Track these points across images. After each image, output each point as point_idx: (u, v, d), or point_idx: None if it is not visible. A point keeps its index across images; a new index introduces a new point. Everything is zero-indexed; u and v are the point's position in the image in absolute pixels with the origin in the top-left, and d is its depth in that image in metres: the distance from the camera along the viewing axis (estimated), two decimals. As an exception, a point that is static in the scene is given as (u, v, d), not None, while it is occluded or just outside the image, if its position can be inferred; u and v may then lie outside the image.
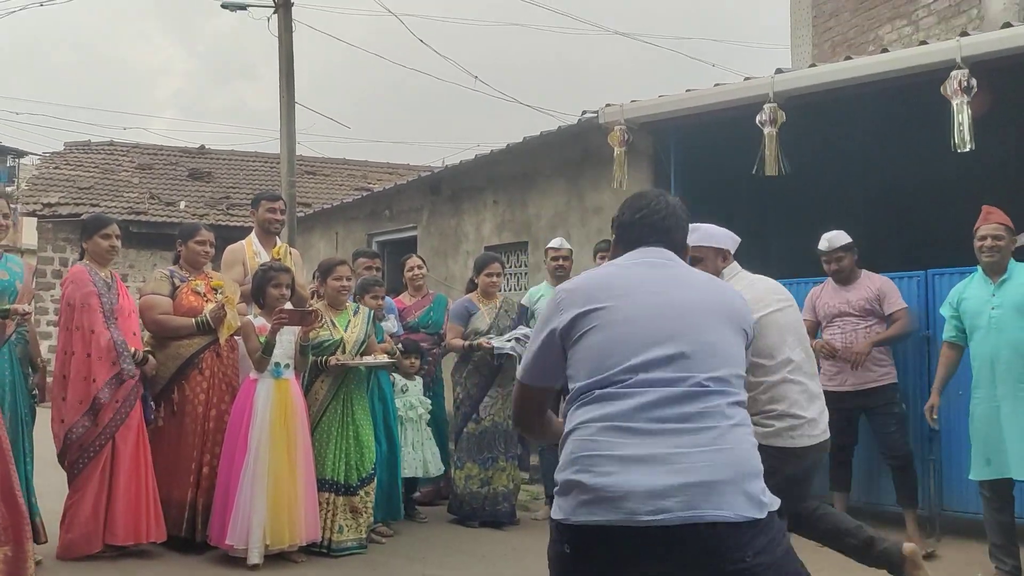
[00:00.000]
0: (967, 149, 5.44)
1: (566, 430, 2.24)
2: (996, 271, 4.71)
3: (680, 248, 2.50)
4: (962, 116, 5.44)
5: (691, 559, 2.06)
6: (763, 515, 2.09)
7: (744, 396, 2.26)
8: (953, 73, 5.45)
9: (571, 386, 2.29)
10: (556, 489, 2.22)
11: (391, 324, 6.34)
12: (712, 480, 2.06)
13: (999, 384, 4.56)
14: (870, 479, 5.75)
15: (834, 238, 5.52)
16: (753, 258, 8.42)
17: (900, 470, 5.33)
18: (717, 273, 3.63)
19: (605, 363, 2.20)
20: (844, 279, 5.53)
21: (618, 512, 2.06)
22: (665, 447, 2.09)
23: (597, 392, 2.19)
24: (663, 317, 2.24)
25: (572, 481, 2.13)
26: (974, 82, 5.41)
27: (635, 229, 2.47)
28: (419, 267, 6.98)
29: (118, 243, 5.26)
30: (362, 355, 5.45)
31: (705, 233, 3.77)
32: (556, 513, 2.20)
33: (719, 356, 2.23)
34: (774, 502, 2.17)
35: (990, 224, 4.72)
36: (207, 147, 19.81)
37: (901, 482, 5.32)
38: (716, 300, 2.35)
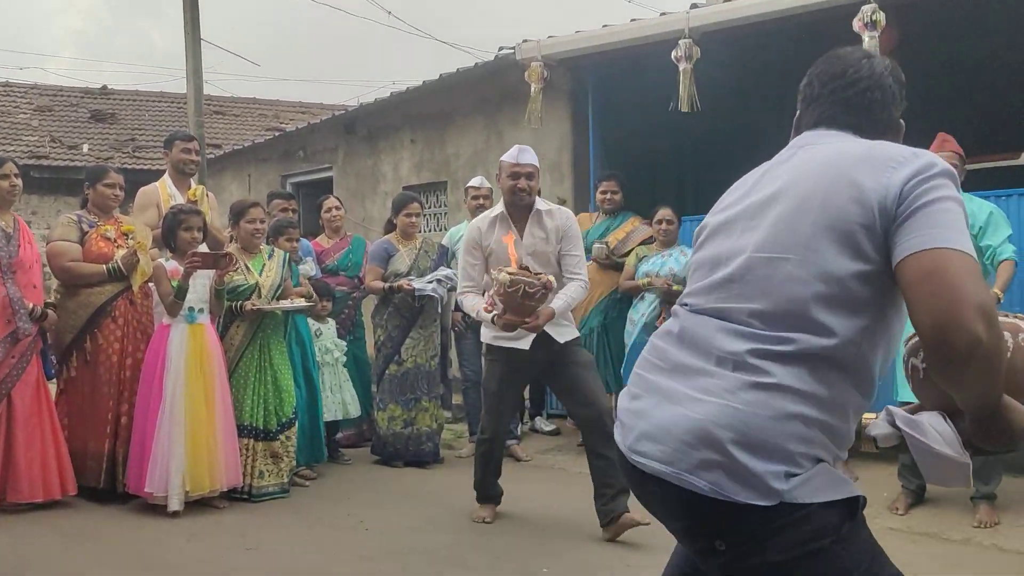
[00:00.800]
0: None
1: None
2: None
3: (884, 130, 1.85)
4: (872, 51, 5.53)
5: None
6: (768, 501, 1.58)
7: (807, 344, 1.63)
8: (863, 8, 5.53)
9: None
10: None
11: (308, 267, 6.24)
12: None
13: None
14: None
15: None
16: (670, 195, 8.63)
17: None
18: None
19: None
20: None
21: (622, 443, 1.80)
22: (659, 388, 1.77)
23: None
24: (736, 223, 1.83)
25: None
26: (881, 16, 5.50)
27: (818, 106, 1.89)
28: (336, 208, 6.86)
29: (18, 182, 5.02)
30: (278, 299, 5.37)
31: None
32: None
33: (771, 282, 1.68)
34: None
35: (946, 152, 4.86)
36: (110, 87, 18.98)
37: None
38: (819, 191, 1.68)
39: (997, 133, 7.77)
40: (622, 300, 6.27)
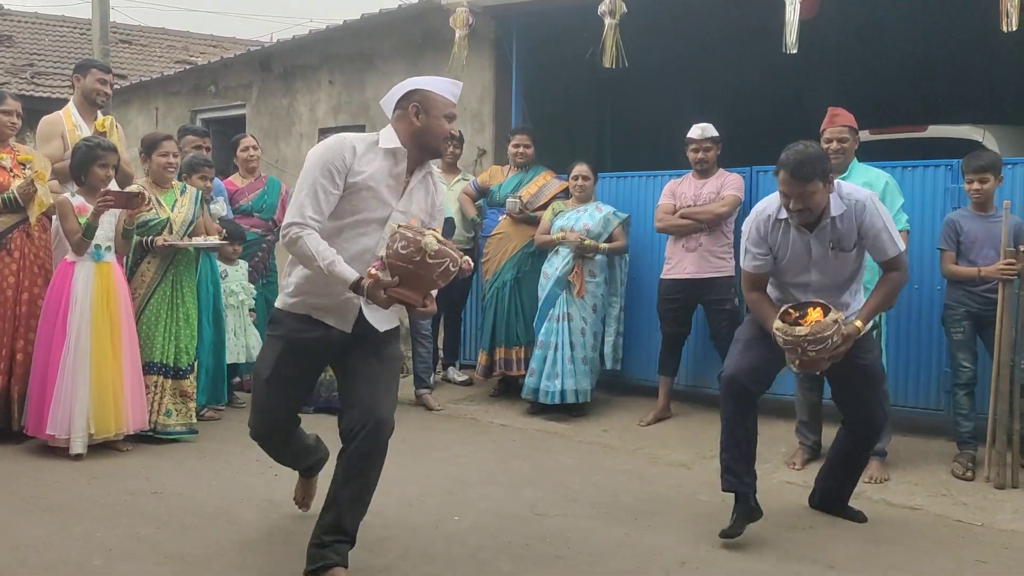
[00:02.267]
0: (795, 51, 5.64)
1: None
2: (838, 170, 5.00)
3: None
4: (792, 17, 5.62)
5: None
6: None
7: None
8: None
9: None
10: None
11: (219, 207, 6.07)
12: None
13: None
14: (697, 364, 6.10)
15: (706, 128, 5.68)
16: (589, 151, 8.65)
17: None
18: None
19: None
20: (705, 171, 5.70)
21: None
22: None
23: None
24: None
25: None
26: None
27: None
28: (254, 148, 6.67)
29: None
30: (191, 236, 5.24)
31: None
32: None
33: None
34: None
35: (835, 127, 4.97)
36: (7, 8, 17.92)
37: None
38: None
39: (906, 106, 8.04)
40: (535, 254, 6.28)
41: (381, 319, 3.29)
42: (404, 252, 2.90)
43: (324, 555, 3.15)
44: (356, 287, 3.03)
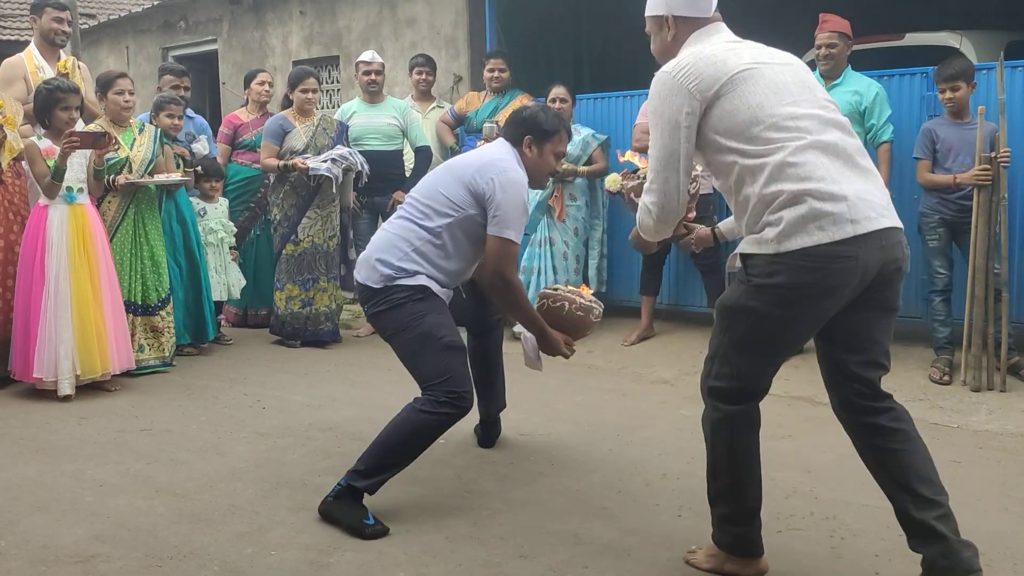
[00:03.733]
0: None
1: None
2: (830, 77, 5.01)
3: None
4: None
5: None
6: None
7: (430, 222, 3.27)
8: None
9: None
10: None
11: (201, 145, 6.03)
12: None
13: None
14: (678, 283, 6.14)
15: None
16: (568, 73, 8.54)
17: (709, 275, 5.71)
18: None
19: None
20: None
21: None
22: None
23: None
24: None
25: None
26: None
27: None
28: (269, 83, 6.63)
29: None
30: (151, 174, 5.22)
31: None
32: None
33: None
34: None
35: (824, 32, 4.95)
36: (-34, -52, 17.41)
37: (710, 286, 5.72)
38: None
39: (883, 14, 7.93)
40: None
41: None
42: None
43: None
44: None
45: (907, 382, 4.78)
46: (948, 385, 4.70)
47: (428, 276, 3.26)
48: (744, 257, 2.50)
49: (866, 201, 2.38)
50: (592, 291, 6.21)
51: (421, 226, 3.28)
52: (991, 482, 3.45)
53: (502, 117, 6.37)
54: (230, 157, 6.46)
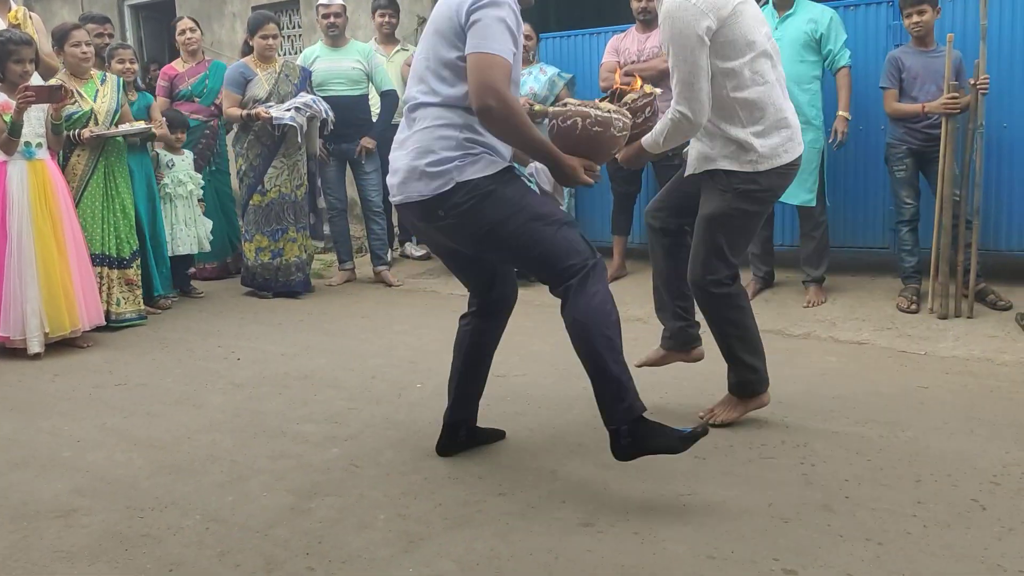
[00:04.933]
0: None
1: None
2: (783, 6, 4.98)
3: None
4: None
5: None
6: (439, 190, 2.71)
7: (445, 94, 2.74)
8: None
9: None
10: None
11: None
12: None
13: None
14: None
15: None
16: (533, 10, 8.39)
17: (626, 200, 5.83)
18: None
19: None
20: (648, 21, 5.58)
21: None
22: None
23: None
24: None
25: None
26: None
27: None
28: (192, 30, 6.46)
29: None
30: (116, 125, 5.15)
31: None
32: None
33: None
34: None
35: None
36: None
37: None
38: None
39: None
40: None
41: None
42: None
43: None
44: None
45: (875, 311, 4.86)
46: (915, 313, 4.77)
47: (492, 152, 2.76)
48: (726, 173, 3.13)
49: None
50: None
51: (447, 104, 2.73)
52: (958, 406, 3.53)
53: (467, 59, 6.28)
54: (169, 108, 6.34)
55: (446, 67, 2.72)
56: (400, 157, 2.80)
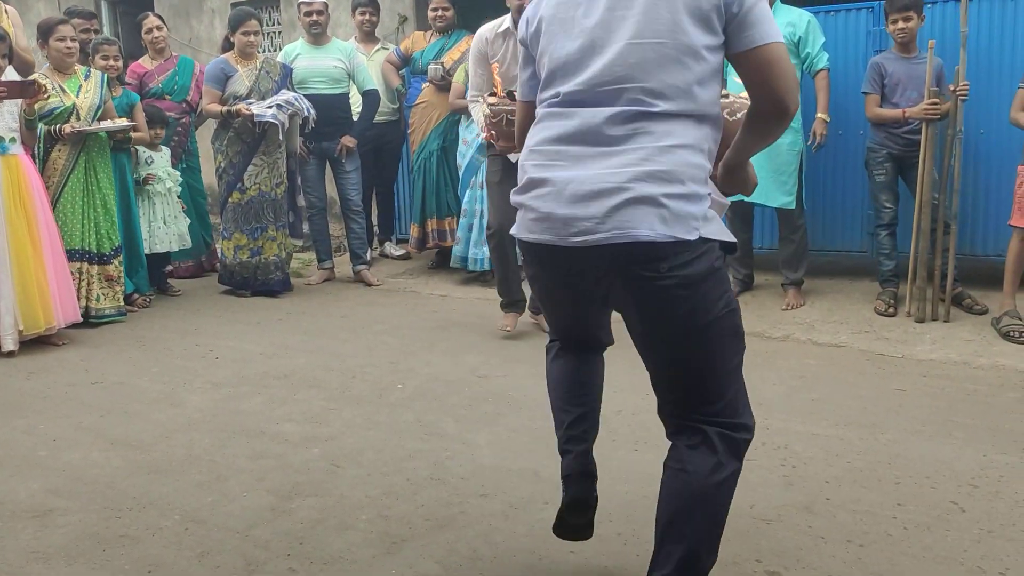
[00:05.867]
0: None
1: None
2: None
3: None
4: None
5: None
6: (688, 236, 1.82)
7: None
8: None
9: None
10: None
11: None
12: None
13: None
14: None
15: None
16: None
17: None
18: None
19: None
20: None
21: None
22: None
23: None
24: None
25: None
26: None
27: None
28: (158, 28, 6.38)
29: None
30: (99, 121, 5.11)
31: None
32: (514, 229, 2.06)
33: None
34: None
35: None
36: None
37: None
38: None
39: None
40: (461, 122, 6.18)
41: None
42: (485, 120, 3.96)
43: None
44: None
45: (853, 315, 4.89)
46: (893, 317, 4.81)
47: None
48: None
49: None
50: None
51: (701, 117, 1.89)
52: (935, 409, 3.56)
53: (448, 58, 6.27)
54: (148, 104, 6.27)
55: (694, 58, 1.87)
56: (597, 177, 1.85)
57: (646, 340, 1.98)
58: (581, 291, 2.04)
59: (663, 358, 1.99)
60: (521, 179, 2.01)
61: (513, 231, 2.06)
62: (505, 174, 4.48)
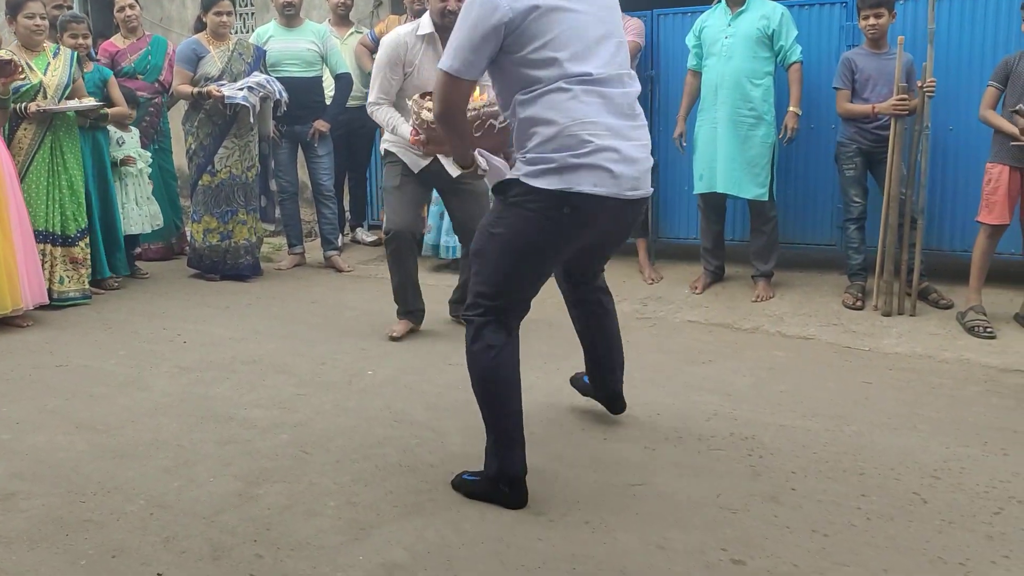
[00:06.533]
0: None
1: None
2: (735, 3, 5.02)
3: None
4: None
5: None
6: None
7: None
8: None
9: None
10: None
11: None
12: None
13: (720, 108, 5.02)
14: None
15: None
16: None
17: None
18: None
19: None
20: None
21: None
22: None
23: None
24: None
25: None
26: None
27: None
28: (131, 6, 6.28)
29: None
30: (67, 100, 5.01)
31: None
32: (556, 184, 2.50)
33: None
34: None
35: None
36: None
37: None
38: None
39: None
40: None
41: (450, 164, 4.09)
42: (417, 124, 3.54)
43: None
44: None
45: (822, 308, 4.94)
46: (860, 310, 4.86)
47: None
48: None
49: None
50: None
51: None
52: (901, 401, 3.60)
53: (424, 43, 6.23)
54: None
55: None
56: (637, 148, 2.62)
57: (604, 253, 3.10)
58: (601, 235, 2.75)
59: (604, 257, 3.16)
60: (571, 144, 2.49)
61: (574, 188, 2.49)
62: (405, 179, 4.36)
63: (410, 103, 3.72)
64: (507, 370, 2.70)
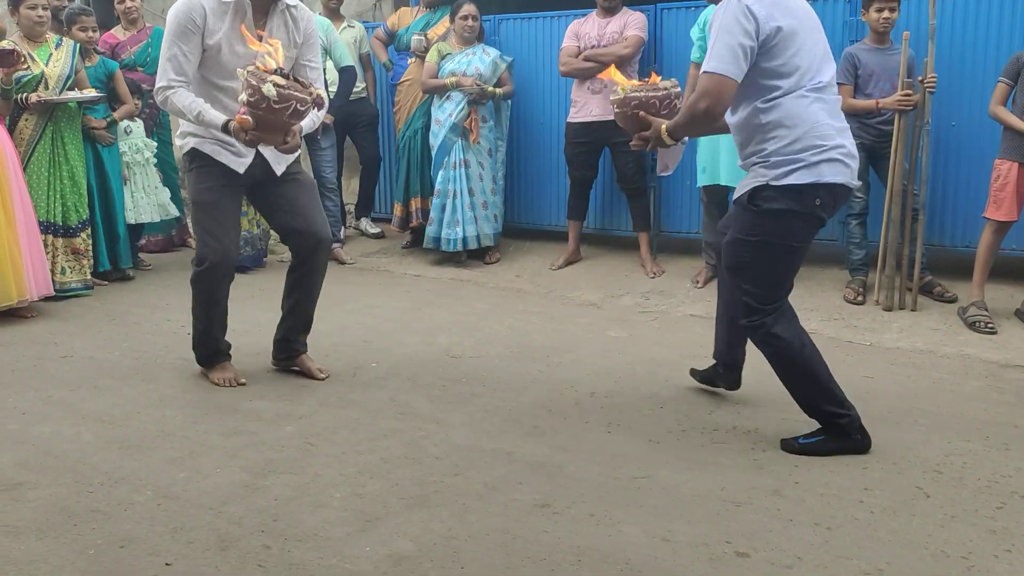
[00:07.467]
0: None
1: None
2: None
3: None
4: None
5: None
6: None
7: None
8: None
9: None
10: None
11: None
12: None
13: None
14: (605, 208, 6.19)
15: None
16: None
17: (635, 199, 5.77)
18: None
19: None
20: (611, 8, 5.61)
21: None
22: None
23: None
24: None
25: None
26: None
27: None
28: None
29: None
30: (69, 91, 5.02)
31: None
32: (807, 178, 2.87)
33: None
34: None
35: None
36: None
37: (636, 210, 5.78)
38: None
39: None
40: (434, 102, 6.14)
41: (278, 159, 3.58)
42: (253, 100, 3.07)
43: (292, 346, 3.87)
44: (225, 130, 3.29)
45: (823, 302, 4.95)
46: (862, 305, 4.88)
47: None
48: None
49: None
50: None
51: None
52: (901, 396, 3.62)
53: (433, 33, 6.25)
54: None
55: None
56: (854, 146, 3.00)
57: None
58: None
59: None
60: (814, 144, 2.87)
61: (823, 179, 2.88)
62: (223, 190, 3.54)
63: (242, 74, 3.08)
64: (809, 348, 3.09)
